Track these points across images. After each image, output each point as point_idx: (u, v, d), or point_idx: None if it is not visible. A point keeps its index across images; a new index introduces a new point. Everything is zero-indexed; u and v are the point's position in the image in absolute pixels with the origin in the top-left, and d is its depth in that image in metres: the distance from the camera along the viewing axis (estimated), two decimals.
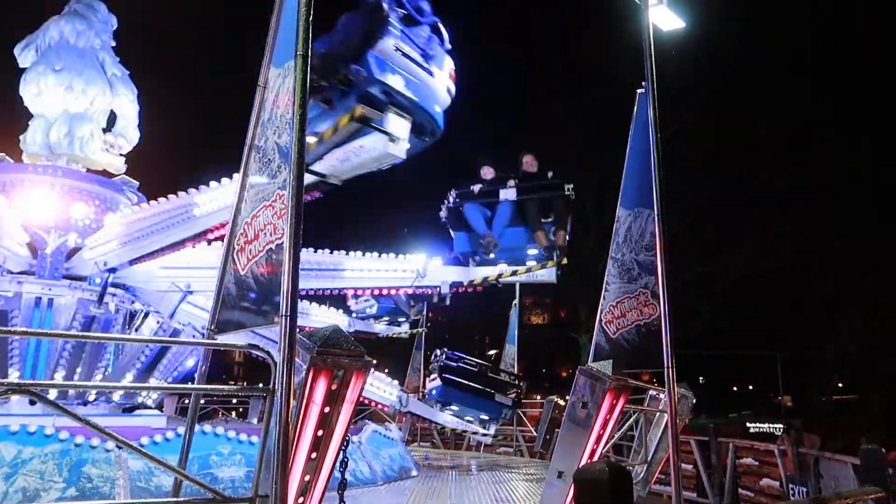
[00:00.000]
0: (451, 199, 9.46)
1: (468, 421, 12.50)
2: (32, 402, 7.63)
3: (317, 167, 6.57)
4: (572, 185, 9.39)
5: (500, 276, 9.66)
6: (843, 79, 28.73)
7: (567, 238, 9.47)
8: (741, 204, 25.83)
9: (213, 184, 8.56)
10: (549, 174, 9.68)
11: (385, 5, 5.91)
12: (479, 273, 9.80)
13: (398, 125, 6.14)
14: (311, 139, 6.23)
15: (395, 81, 5.87)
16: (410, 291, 10.70)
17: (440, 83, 6.36)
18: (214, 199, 8.32)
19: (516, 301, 17.36)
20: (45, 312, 9.37)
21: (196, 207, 8.51)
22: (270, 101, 4.08)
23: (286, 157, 3.67)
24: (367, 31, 5.82)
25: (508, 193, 9.64)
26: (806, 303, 29.01)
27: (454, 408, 12.35)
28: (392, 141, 6.16)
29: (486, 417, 12.49)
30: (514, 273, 9.59)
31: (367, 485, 9.11)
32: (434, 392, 12.76)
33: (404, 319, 13.80)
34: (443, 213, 9.56)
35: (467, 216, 9.37)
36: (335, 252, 11.30)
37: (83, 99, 10.96)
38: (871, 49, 29.00)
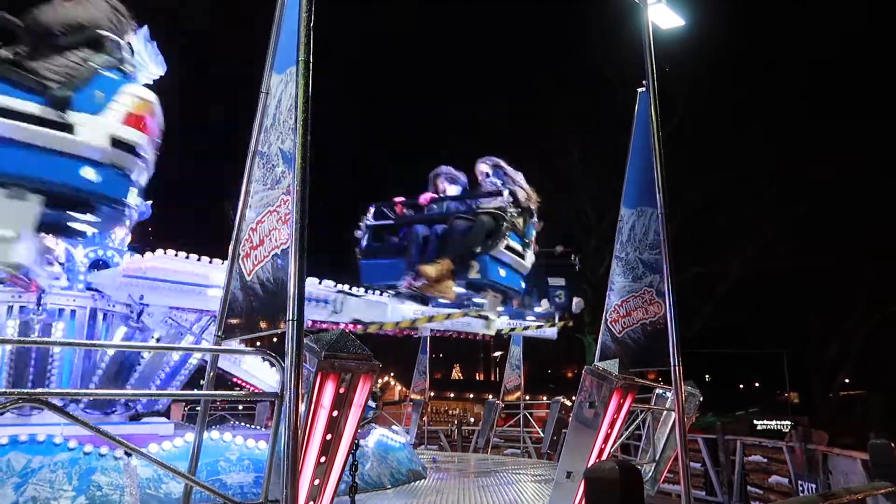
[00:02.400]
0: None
1: None
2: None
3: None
4: (580, 256, 9.54)
5: (430, 319, 8.78)
6: (844, 78, 28.73)
7: (575, 305, 9.51)
8: (742, 201, 25.82)
9: None
10: (558, 248, 9.76)
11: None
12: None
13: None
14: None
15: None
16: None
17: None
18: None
19: None
20: (69, 323, 9.39)
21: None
22: (273, 107, 4.10)
23: (290, 163, 3.69)
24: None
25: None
26: (811, 299, 28.98)
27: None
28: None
29: None
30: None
31: (375, 488, 9.11)
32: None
33: None
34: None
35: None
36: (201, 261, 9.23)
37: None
38: (873, 47, 29.00)
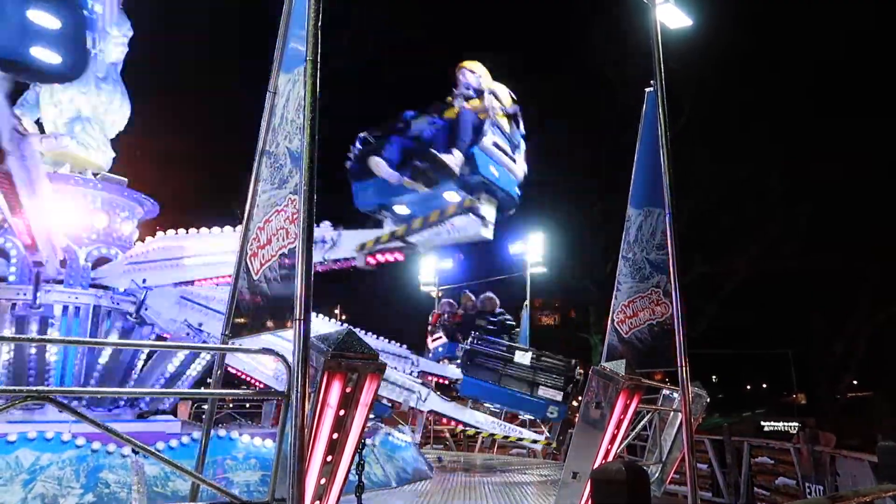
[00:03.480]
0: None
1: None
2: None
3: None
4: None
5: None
6: (849, 78, 28.59)
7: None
8: (748, 201, 25.73)
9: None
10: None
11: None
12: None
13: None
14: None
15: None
16: (320, 269, 8.88)
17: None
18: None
19: (527, 302, 17.37)
20: (73, 321, 9.46)
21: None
22: (281, 107, 4.11)
23: (297, 162, 3.69)
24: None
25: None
26: (816, 299, 28.84)
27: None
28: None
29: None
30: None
31: (381, 487, 9.12)
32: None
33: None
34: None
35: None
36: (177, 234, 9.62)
37: (115, 112, 11.07)
38: (879, 48, 28.85)
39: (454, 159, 6.73)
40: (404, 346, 11.89)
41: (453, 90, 7.53)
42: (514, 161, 7.15)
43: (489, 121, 6.80)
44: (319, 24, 3.59)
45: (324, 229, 8.64)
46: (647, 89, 6.31)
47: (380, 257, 8.15)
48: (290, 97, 4.00)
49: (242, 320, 4.11)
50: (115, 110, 10.79)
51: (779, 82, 28.08)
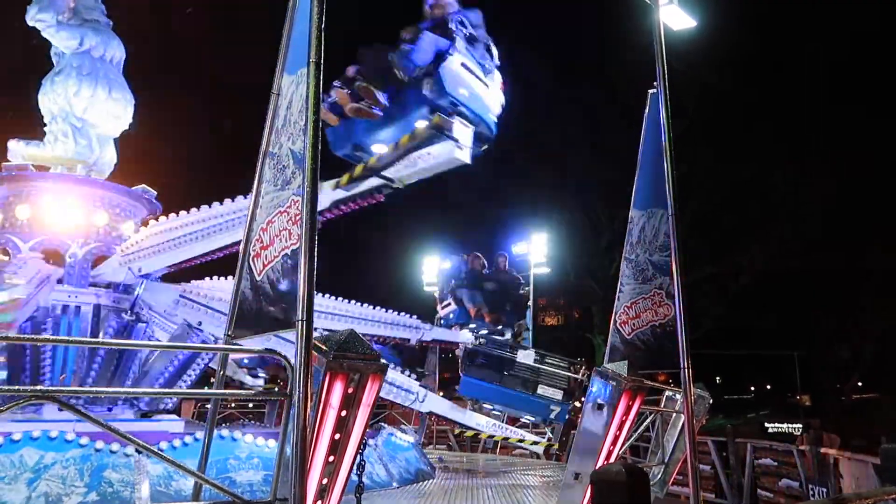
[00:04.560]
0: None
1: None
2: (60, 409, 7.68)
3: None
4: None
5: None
6: (854, 78, 28.52)
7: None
8: (752, 202, 25.69)
9: (239, 198, 8.87)
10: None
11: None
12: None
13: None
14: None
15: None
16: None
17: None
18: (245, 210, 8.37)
19: (530, 302, 17.35)
20: (73, 320, 9.50)
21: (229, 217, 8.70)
22: (284, 108, 4.13)
23: (300, 163, 3.71)
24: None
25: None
26: (821, 300, 28.76)
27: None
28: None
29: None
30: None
31: (383, 488, 9.13)
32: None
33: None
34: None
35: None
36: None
37: (124, 118, 11.13)
38: (883, 48, 28.77)
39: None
40: (415, 316, 11.62)
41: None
42: (487, 86, 6.92)
43: (456, 41, 6.63)
44: (322, 25, 3.61)
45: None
46: (651, 90, 6.31)
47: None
48: (293, 99, 4.01)
49: (245, 320, 4.13)
50: (102, 106, 10.73)
51: (782, 82, 28.05)
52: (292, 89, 4.04)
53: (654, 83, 6.00)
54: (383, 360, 3.91)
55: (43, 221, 9.94)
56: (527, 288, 14.79)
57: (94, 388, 8.83)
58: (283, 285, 3.78)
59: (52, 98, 10.52)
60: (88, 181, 10.48)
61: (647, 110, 6.37)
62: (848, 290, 28.33)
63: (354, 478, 4.86)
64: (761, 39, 26.77)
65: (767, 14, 26.84)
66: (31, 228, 9.86)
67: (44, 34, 10.74)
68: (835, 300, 28.86)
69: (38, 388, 2.94)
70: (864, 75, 29.29)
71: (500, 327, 10.89)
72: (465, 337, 11.21)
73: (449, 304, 11.54)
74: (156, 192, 11.32)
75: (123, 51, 11.32)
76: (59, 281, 9.57)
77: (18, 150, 10.41)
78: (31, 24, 10.62)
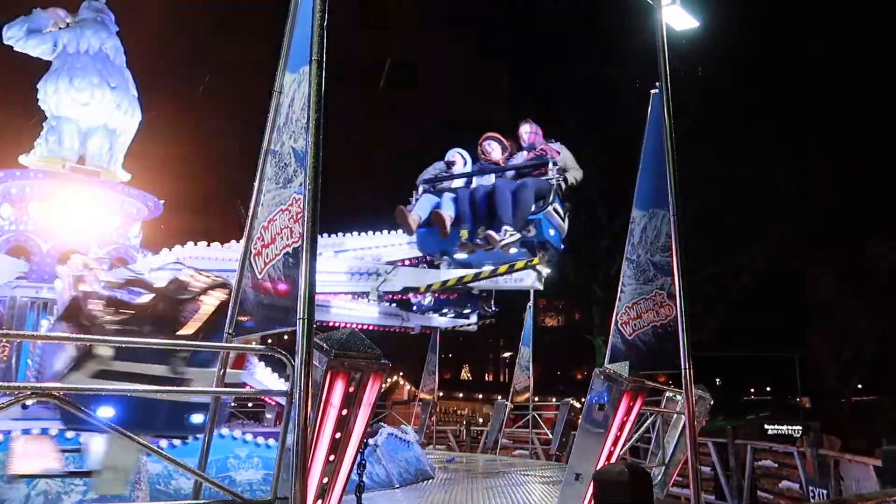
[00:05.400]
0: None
1: None
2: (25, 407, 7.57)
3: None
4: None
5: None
6: (855, 78, 28.52)
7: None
8: (752, 203, 25.67)
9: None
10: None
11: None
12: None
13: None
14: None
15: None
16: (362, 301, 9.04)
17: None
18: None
19: (531, 303, 17.35)
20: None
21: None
22: (286, 106, 4.12)
23: (302, 162, 3.70)
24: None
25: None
26: (821, 301, 28.75)
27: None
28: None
29: None
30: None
31: (383, 487, 9.13)
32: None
33: (470, 311, 11.72)
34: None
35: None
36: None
37: (125, 118, 11.15)
38: (884, 48, 28.77)
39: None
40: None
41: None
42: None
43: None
44: (325, 24, 3.60)
45: (375, 263, 8.96)
46: (653, 91, 6.30)
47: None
48: (295, 97, 4.00)
49: (246, 319, 4.12)
50: (66, 97, 10.75)
51: (783, 82, 28.03)
52: (294, 87, 4.03)
53: (657, 83, 5.99)
54: (384, 361, 3.90)
55: (61, 222, 10.04)
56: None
57: (93, 387, 8.81)
58: (285, 284, 3.77)
59: (43, 103, 10.74)
60: (109, 184, 10.55)
61: (649, 110, 6.36)
62: (847, 292, 28.32)
63: (355, 477, 4.84)
64: (763, 39, 26.75)
65: (769, 14, 26.84)
66: (49, 229, 9.98)
67: (17, 49, 10.87)
68: (836, 301, 28.85)
69: (38, 385, 2.93)
70: (864, 75, 29.32)
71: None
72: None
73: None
74: (163, 201, 11.37)
75: (106, 38, 11.33)
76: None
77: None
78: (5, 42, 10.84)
